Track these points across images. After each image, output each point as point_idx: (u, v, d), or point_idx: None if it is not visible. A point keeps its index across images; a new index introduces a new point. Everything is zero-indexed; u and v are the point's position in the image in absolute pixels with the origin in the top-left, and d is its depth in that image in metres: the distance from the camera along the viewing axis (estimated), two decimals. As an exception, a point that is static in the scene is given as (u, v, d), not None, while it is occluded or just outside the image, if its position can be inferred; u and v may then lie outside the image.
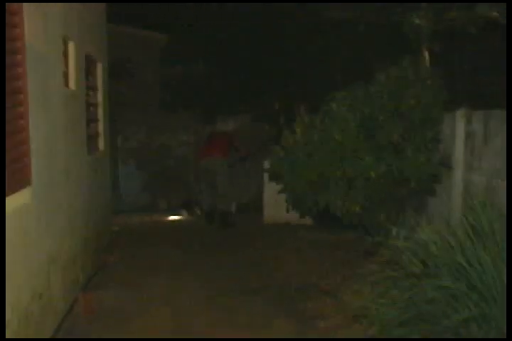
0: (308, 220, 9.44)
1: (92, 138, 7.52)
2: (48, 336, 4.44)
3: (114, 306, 5.56)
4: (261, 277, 6.62)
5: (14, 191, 3.66)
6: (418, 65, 6.88)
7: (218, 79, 11.20)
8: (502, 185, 4.83)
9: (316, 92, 10.03)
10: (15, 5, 3.75)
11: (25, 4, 3.91)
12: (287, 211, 9.64)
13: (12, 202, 3.62)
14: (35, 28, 4.21)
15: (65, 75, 5.70)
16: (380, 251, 6.87)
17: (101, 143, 8.01)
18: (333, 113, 6.16)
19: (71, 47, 5.86)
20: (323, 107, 6.40)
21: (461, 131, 5.71)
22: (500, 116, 4.95)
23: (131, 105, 11.83)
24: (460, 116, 5.72)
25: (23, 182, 3.90)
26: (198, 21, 11.33)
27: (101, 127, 7.99)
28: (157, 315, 5.38)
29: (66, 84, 5.73)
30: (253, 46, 10.75)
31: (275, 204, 9.80)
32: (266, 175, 9.84)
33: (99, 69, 7.97)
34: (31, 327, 3.99)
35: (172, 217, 11.17)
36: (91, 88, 7.52)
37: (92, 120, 7.54)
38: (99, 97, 7.95)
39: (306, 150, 6.21)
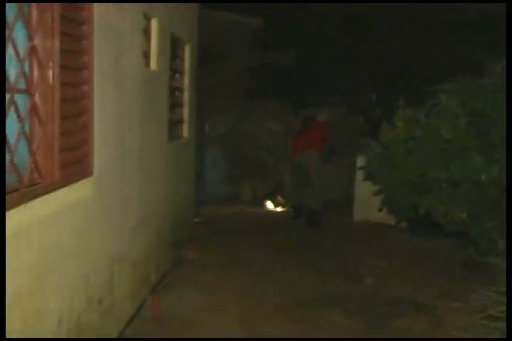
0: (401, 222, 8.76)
1: (175, 125, 7.09)
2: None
3: (184, 310, 5.07)
4: (347, 284, 5.99)
5: (69, 182, 3.19)
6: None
7: (310, 68, 10.53)
8: None
9: (417, 84, 9.27)
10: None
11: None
12: (379, 210, 9.11)
13: (66, 195, 3.16)
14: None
15: (146, 55, 5.23)
16: (483, 265, 6.18)
17: (185, 130, 7.56)
18: (441, 107, 5.43)
19: (154, 24, 5.37)
20: (428, 100, 5.68)
21: None
22: None
23: (221, 92, 11.36)
24: None
25: (83, 172, 3.43)
26: (291, 7, 10.70)
27: (186, 113, 7.54)
28: (227, 323, 4.85)
29: (147, 64, 5.27)
30: (348, 34, 10.03)
31: (367, 202, 9.13)
32: (358, 172, 9.26)
33: (187, 52, 7.50)
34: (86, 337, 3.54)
35: (256, 209, 10.66)
36: (177, 71, 7.07)
37: (176, 105, 7.11)
38: (186, 81, 7.49)
39: (407, 147, 5.52)
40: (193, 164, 8.14)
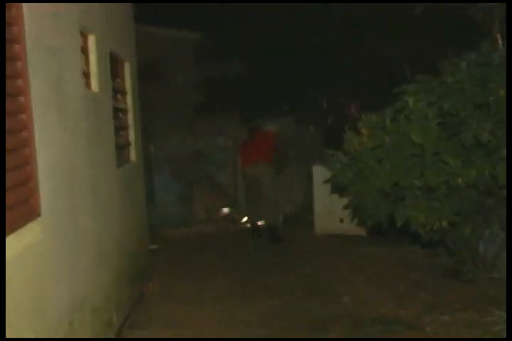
0: (362, 230, 8.45)
1: (121, 149, 6.60)
2: None
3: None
4: (326, 305, 5.58)
5: (17, 227, 2.71)
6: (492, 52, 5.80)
7: (256, 79, 10.16)
8: None
9: (370, 88, 9.03)
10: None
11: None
12: (341, 221, 8.79)
13: (14, 241, 2.68)
14: (40, 15, 3.28)
15: (86, 75, 4.76)
16: (463, 273, 5.89)
17: (133, 154, 7.07)
18: (408, 110, 5.10)
19: (91, 41, 4.91)
20: (392, 103, 5.36)
21: None
22: None
23: (164, 109, 10.90)
24: None
25: (29, 213, 2.94)
26: (231, 18, 10.35)
27: (132, 135, 7.05)
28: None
29: (88, 85, 4.80)
30: (291, 41, 9.70)
31: (327, 214, 8.83)
32: (315, 183, 8.93)
33: (128, 70, 7.02)
34: None
35: (213, 228, 10.18)
36: (118, 91, 6.59)
37: (121, 127, 6.63)
38: (129, 101, 7.01)
39: (376, 156, 5.18)
40: (143, 188, 7.65)
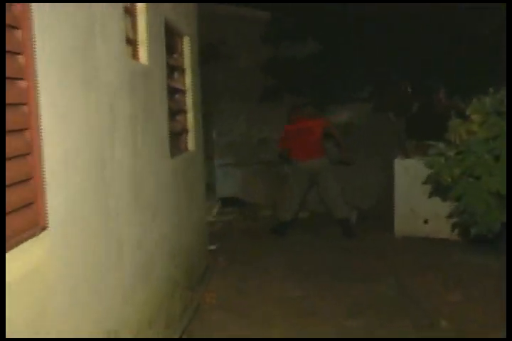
0: (452, 234, 7.35)
1: (177, 136, 5.72)
2: None
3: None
4: (419, 330, 4.57)
5: (10, 246, 1.81)
6: None
7: (330, 61, 9.09)
8: None
9: (459, 74, 7.91)
10: None
11: None
12: (425, 222, 7.72)
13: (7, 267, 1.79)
14: None
15: (132, 43, 3.86)
16: None
17: (191, 141, 6.19)
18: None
19: (140, 3, 4.00)
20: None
21: None
22: None
23: (228, 93, 9.99)
24: None
25: (30, 225, 2.04)
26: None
27: (190, 120, 6.17)
28: None
29: (134, 55, 3.90)
30: (370, 19, 8.59)
31: (410, 213, 7.76)
32: (398, 177, 7.87)
33: (187, 46, 6.13)
34: None
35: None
36: (175, 68, 5.71)
37: (177, 111, 5.74)
38: (187, 81, 6.12)
39: (491, 149, 4.10)
40: (202, 181, 6.76)
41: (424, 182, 4.96)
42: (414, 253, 6.85)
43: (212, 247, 7.12)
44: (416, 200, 7.68)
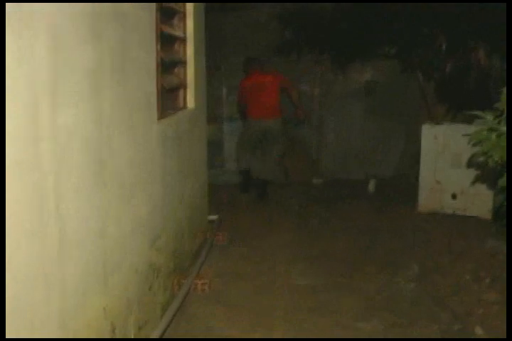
0: (483, 212, 6.54)
1: (173, 92, 4.88)
2: None
3: None
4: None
5: None
6: None
7: (354, 12, 8.07)
8: None
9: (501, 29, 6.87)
10: None
11: None
12: (453, 197, 6.89)
13: None
14: None
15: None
16: None
17: (190, 98, 5.34)
18: None
19: None
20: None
21: None
22: None
23: (241, 46, 9.06)
24: None
25: None
26: None
27: (191, 74, 5.30)
28: None
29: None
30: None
31: (436, 187, 6.92)
32: (425, 145, 6.99)
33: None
34: None
35: (289, 193, 8.39)
36: (172, 11, 4.83)
37: (174, 62, 4.89)
38: (189, 28, 5.23)
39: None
40: (204, 143, 5.95)
41: (468, 165, 4.09)
42: (441, 236, 6.02)
43: (213, 217, 6.34)
44: (444, 172, 6.87)
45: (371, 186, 8.09)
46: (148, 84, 3.72)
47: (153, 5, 3.82)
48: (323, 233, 6.24)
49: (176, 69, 5.10)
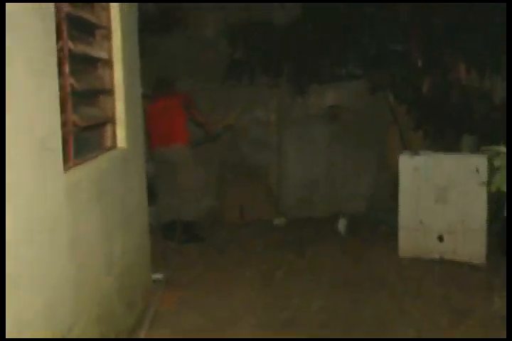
0: (474, 255, 5.60)
1: (96, 128, 3.81)
2: None
3: None
4: None
5: None
6: None
7: (314, 27, 7.11)
8: None
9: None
10: None
11: None
12: (440, 239, 5.92)
13: None
14: None
15: None
16: None
17: (121, 136, 4.25)
18: None
19: None
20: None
21: None
22: None
23: (186, 69, 8.00)
24: None
25: None
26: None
27: (120, 105, 4.22)
28: None
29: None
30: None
31: (420, 226, 5.94)
32: (404, 178, 6.01)
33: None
34: None
35: (247, 236, 7.27)
36: (84, 22, 3.75)
37: (96, 91, 3.83)
38: (116, 46, 4.16)
39: None
40: (141, 188, 4.82)
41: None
42: (432, 288, 5.03)
43: (158, 276, 5.22)
44: (427, 210, 5.89)
45: (342, 226, 7.06)
46: (45, 124, 2.63)
47: (52, 11, 2.74)
48: (293, 290, 5.14)
49: (100, 100, 4.02)
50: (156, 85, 6.91)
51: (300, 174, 8.14)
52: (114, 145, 4.18)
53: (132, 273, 4.31)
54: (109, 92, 4.11)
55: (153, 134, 6.73)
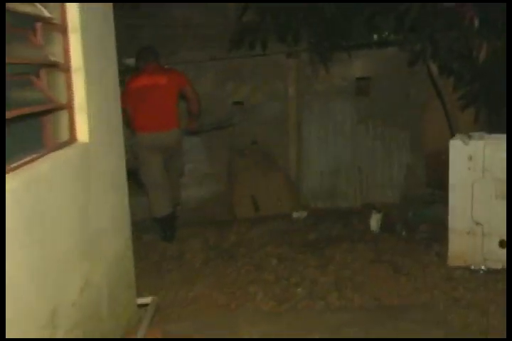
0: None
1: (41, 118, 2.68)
2: None
3: None
4: None
5: None
6: None
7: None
8: None
9: None
10: None
11: None
12: (501, 245, 4.75)
13: None
14: None
15: None
16: None
17: (82, 127, 3.09)
18: None
19: None
20: None
21: None
22: None
23: (188, 36, 6.90)
24: None
25: None
26: None
27: (81, 86, 3.05)
28: None
29: None
30: None
31: (475, 230, 4.76)
32: (455, 170, 4.82)
33: None
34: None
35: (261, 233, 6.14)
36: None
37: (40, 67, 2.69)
38: (69, 5, 2.98)
39: None
40: (118, 193, 3.68)
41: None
42: (499, 317, 3.85)
43: (145, 301, 4.11)
44: (486, 208, 4.70)
45: (374, 223, 5.90)
46: None
47: None
48: (317, 318, 4.03)
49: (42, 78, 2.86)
50: (137, 55, 5.95)
51: (323, 159, 7.08)
52: (72, 139, 3.03)
53: (110, 306, 3.20)
54: (63, 67, 2.95)
55: (138, 117, 5.81)
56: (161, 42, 6.64)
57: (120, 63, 6.18)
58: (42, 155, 2.63)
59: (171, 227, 5.89)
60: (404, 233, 5.74)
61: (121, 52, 6.38)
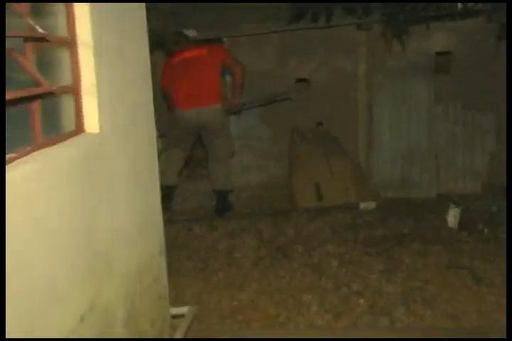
0: None
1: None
2: None
3: None
4: None
5: None
6: None
7: None
8: None
9: None
10: None
11: None
12: None
13: None
14: None
15: None
16: None
17: (90, 114, 2.55)
18: None
19: None
20: None
21: None
22: None
23: (254, 11, 6.35)
24: None
25: None
26: None
27: (89, 63, 2.50)
28: None
29: None
30: None
31: None
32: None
33: None
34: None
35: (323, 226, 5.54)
36: None
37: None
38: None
39: None
40: (148, 195, 3.15)
41: None
42: None
43: (181, 311, 3.61)
44: None
45: (452, 218, 5.21)
46: None
47: None
48: None
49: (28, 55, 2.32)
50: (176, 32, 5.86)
51: (395, 144, 6.38)
52: (77, 131, 2.51)
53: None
54: (66, 42, 2.42)
55: (178, 92, 5.62)
56: (220, 15, 6.19)
57: (181, 34, 5.86)
58: (30, 151, 2.11)
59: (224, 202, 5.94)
60: (486, 231, 5.05)
61: (182, 23, 5.97)
